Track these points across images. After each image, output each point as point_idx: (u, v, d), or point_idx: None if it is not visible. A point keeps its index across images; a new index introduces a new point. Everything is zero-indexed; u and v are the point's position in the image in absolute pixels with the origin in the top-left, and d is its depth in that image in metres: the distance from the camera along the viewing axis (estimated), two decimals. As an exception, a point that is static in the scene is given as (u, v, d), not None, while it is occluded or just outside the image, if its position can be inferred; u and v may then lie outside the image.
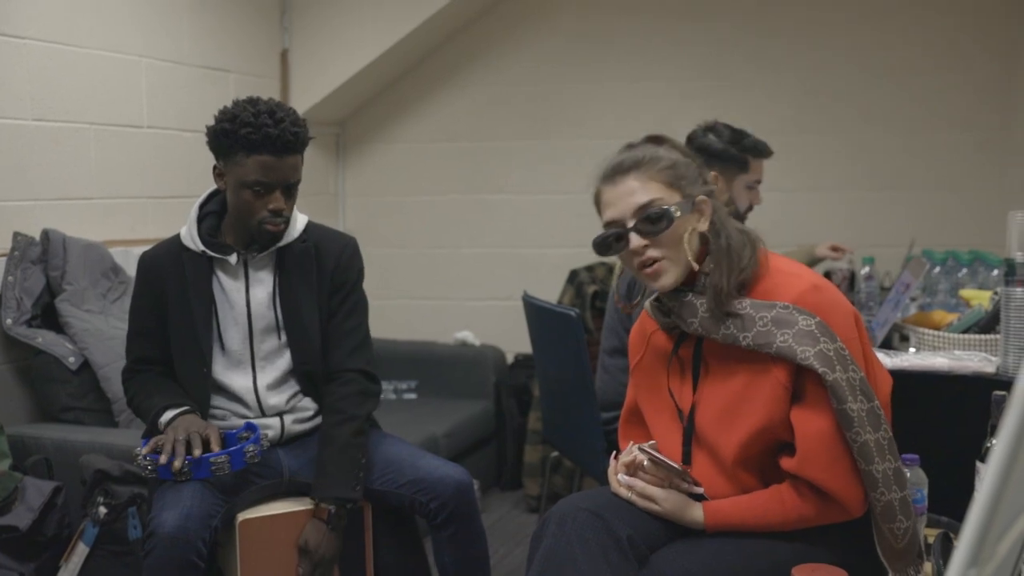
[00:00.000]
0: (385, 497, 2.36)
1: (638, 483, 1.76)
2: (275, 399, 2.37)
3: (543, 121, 4.66)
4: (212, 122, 2.27)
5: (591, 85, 4.60)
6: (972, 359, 2.22)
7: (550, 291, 4.13)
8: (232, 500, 2.25)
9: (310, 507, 2.28)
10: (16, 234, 3.05)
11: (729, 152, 2.87)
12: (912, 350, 2.49)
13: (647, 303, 1.89)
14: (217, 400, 2.36)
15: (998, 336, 2.24)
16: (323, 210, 4.70)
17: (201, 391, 2.34)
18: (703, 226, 1.77)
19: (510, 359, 4.55)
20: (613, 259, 1.87)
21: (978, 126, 4.32)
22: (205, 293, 2.33)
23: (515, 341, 4.40)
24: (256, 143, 2.19)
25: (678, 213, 1.73)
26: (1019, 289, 2.08)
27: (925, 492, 1.81)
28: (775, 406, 1.69)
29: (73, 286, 3.08)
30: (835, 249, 3.84)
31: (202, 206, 2.39)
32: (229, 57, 4.08)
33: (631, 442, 1.85)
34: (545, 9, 4.63)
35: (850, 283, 3.74)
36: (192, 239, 2.34)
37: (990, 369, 2.15)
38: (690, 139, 2.92)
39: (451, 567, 2.34)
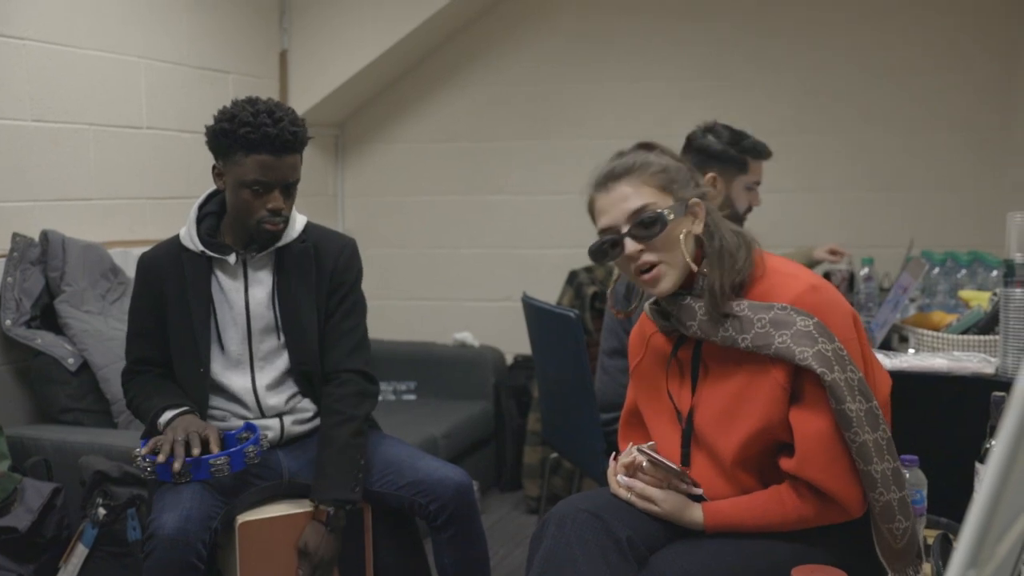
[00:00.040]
0: (384, 499, 2.36)
1: (637, 484, 1.76)
2: (274, 400, 2.37)
3: (543, 121, 4.66)
4: (211, 122, 2.27)
5: (591, 85, 4.60)
6: (971, 360, 2.22)
7: (549, 292, 4.13)
8: (232, 502, 2.25)
9: (309, 509, 2.28)
10: (15, 235, 3.04)
11: (728, 153, 2.87)
12: (911, 351, 2.49)
13: (646, 306, 1.90)
14: (216, 401, 2.36)
15: (997, 337, 2.24)
16: (322, 211, 4.70)
17: (200, 391, 2.34)
18: (697, 228, 1.77)
19: (509, 360, 4.55)
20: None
21: (978, 126, 4.32)
22: (204, 293, 2.33)
23: (514, 342, 4.40)
24: (255, 142, 2.20)
25: (671, 216, 1.74)
26: (1018, 290, 2.08)
27: (924, 493, 1.81)
28: (774, 407, 1.69)
29: (72, 287, 3.07)
30: (833, 252, 3.84)
31: (201, 207, 2.39)
32: (228, 58, 4.08)
33: (630, 443, 1.85)
34: (545, 9, 4.63)
35: (849, 284, 3.73)
36: (191, 239, 2.34)
37: (989, 370, 2.15)
38: (689, 140, 2.92)
39: (451, 569, 2.34)
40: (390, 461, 2.37)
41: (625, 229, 1.75)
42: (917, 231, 4.01)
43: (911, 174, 4.39)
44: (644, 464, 1.76)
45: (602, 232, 1.78)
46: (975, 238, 3.96)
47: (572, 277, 4.15)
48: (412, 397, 4.39)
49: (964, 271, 3.29)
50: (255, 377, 2.36)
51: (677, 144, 2.93)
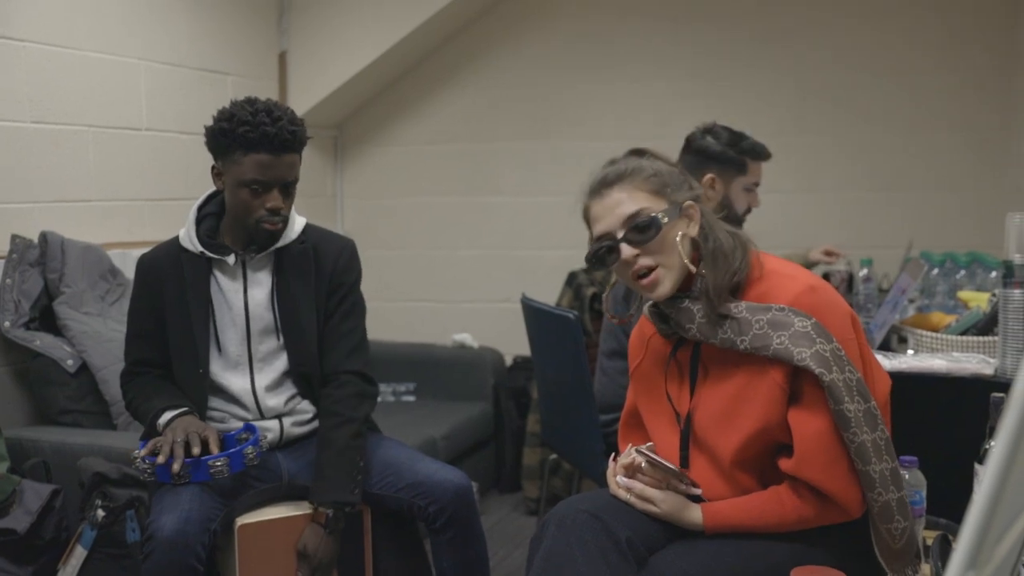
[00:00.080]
0: (384, 501, 2.36)
1: (637, 485, 1.76)
2: (273, 401, 2.37)
3: (542, 122, 4.66)
4: (210, 123, 2.27)
5: (590, 86, 4.60)
6: (970, 361, 2.22)
7: (548, 293, 4.12)
8: (231, 503, 2.25)
9: (309, 511, 2.27)
10: (14, 236, 3.04)
11: (727, 154, 2.87)
12: (910, 352, 2.49)
13: (645, 308, 1.90)
14: (215, 402, 2.36)
15: (996, 338, 2.25)
16: (321, 212, 4.70)
17: (199, 392, 2.34)
18: (693, 231, 1.78)
19: (509, 361, 4.55)
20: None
21: (978, 126, 4.31)
22: (203, 294, 2.33)
23: (514, 343, 4.40)
24: (254, 141, 2.20)
25: (666, 220, 1.74)
26: (1017, 291, 2.09)
27: (924, 494, 1.81)
28: (772, 408, 1.69)
29: (71, 288, 3.07)
30: (829, 253, 3.84)
31: (200, 208, 2.39)
32: (227, 59, 4.08)
33: (630, 444, 1.86)
34: (544, 10, 4.63)
35: (848, 285, 3.73)
36: (190, 241, 2.34)
37: (988, 371, 2.15)
38: (688, 141, 2.92)
39: (450, 571, 2.33)
40: (389, 463, 2.37)
41: (620, 235, 1.75)
42: (916, 232, 4.01)
43: (910, 175, 4.39)
44: (643, 465, 1.76)
45: (598, 239, 1.79)
46: (974, 239, 3.96)
47: (571, 278, 4.15)
48: (411, 398, 4.38)
49: (963, 272, 3.29)
50: (254, 378, 2.36)
51: (677, 145, 2.94)
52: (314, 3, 4.43)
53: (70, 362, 2.98)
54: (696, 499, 1.76)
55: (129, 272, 2.99)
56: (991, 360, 2.21)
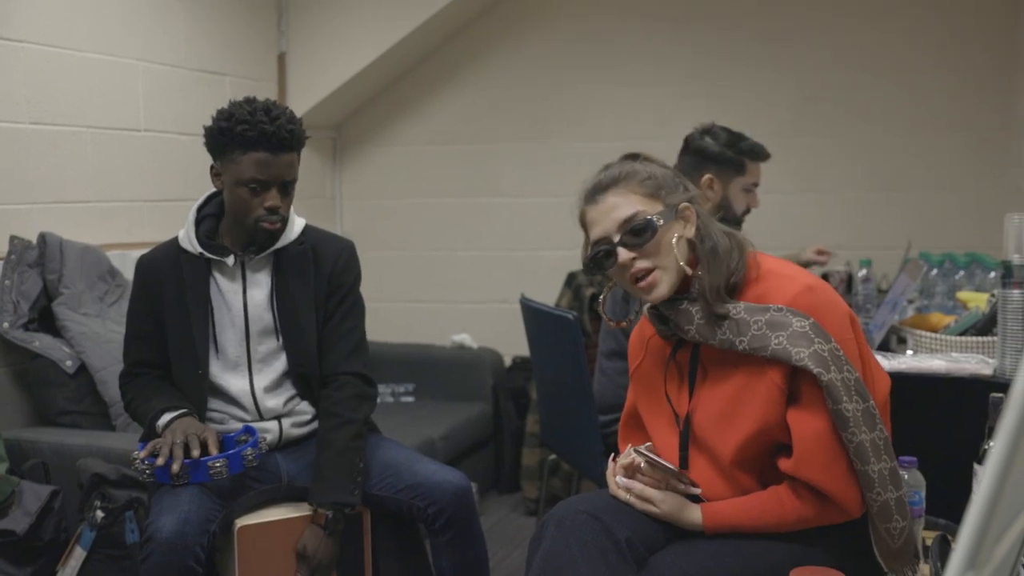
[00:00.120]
0: (383, 502, 2.35)
1: (636, 485, 1.76)
2: (272, 402, 2.37)
3: (541, 123, 4.66)
4: (209, 123, 2.27)
5: (589, 87, 4.60)
6: (969, 361, 2.22)
7: (548, 294, 4.12)
8: (230, 505, 2.25)
9: (308, 513, 2.27)
10: (13, 237, 3.04)
11: (726, 155, 2.87)
12: (909, 352, 2.49)
13: (645, 309, 1.90)
14: (215, 403, 2.36)
15: (995, 338, 2.25)
16: (320, 213, 4.70)
17: (198, 394, 2.33)
18: (689, 232, 1.78)
19: (508, 362, 4.55)
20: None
21: (977, 126, 4.32)
22: (202, 295, 2.33)
23: (513, 344, 4.40)
24: (252, 140, 2.20)
25: (661, 222, 1.75)
26: (1016, 291, 2.09)
27: (923, 494, 1.81)
28: (771, 408, 1.69)
29: (70, 289, 3.07)
30: (821, 253, 3.84)
31: (200, 209, 2.39)
32: (226, 60, 4.07)
33: (629, 445, 1.86)
34: (543, 11, 4.63)
35: (847, 285, 3.73)
36: (190, 241, 2.33)
37: (987, 371, 2.15)
38: (687, 141, 2.92)
39: (450, 571, 2.33)
40: (388, 464, 2.36)
41: (617, 238, 1.76)
42: (915, 232, 4.01)
43: (910, 175, 4.39)
44: (642, 465, 1.76)
45: (595, 244, 1.80)
46: (973, 239, 3.96)
47: (570, 279, 4.15)
48: (410, 399, 4.38)
49: (962, 272, 3.29)
50: (253, 379, 2.36)
51: (676, 145, 2.94)
52: (313, 4, 4.43)
53: (69, 363, 2.97)
54: (695, 499, 1.76)
55: (128, 273, 2.99)
56: (990, 360, 2.21)
